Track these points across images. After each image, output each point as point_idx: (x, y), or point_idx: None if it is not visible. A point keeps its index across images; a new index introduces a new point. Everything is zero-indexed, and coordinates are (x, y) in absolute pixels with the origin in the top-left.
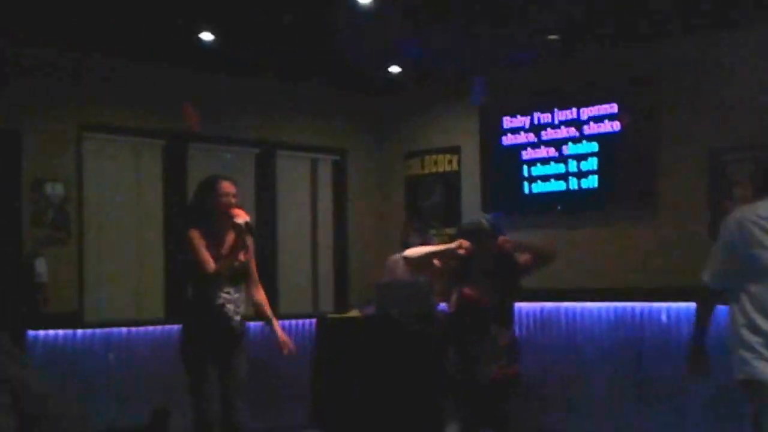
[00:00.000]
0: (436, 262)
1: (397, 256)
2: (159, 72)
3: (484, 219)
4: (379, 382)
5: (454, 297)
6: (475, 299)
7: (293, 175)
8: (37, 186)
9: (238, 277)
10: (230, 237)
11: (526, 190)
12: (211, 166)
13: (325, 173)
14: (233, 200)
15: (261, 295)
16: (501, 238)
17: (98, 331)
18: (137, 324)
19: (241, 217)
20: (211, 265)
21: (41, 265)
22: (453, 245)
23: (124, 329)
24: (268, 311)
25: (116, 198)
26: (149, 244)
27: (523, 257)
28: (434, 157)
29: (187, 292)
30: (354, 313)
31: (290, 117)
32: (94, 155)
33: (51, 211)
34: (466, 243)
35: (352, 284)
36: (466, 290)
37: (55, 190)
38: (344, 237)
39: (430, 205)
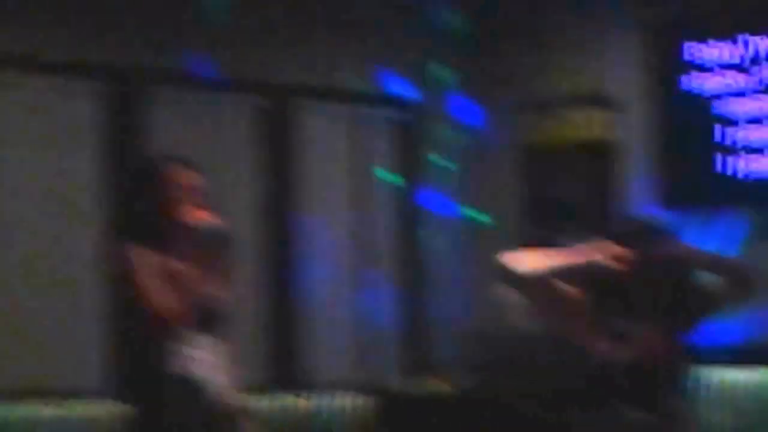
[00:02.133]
0: (568, 288)
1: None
2: None
3: (650, 218)
4: None
5: (593, 346)
6: (647, 350)
7: (323, 144)
8: None
9: (221, 325)
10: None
11: (726, 171)
12: (183, 126)
13: (380, 141)
14: (193, 197)
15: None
16: (676, 244)
17: None
18: (60, 396)
19: (196, 216)
20: (159, 301)
21: None
22: (599, 255)
23: (37, 408)
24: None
25: (22, 183)
26: (77, 260)
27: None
28: (571, 114)
29: (142, 359)
30: (437, 385)
31: (316, 42)
32: None
33: None
34: (622, 250)
35: (434, 333)
36: (636, 335)
37: None
38: (414, 250)
39: (563, 197)
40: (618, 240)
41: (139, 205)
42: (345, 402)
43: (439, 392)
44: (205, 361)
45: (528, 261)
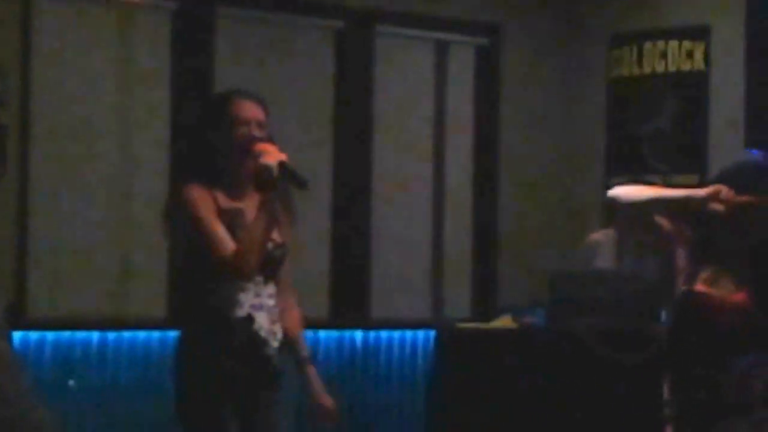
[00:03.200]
0: (662, 221)
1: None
2: None
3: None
4: None
5: (679, 293)
6: (714, 301)
7: (405, 72)
8: None
9: (273, 269)
10: (257, 198)
11: None
12: (256, 47)
13: (462, 69)
14: (258, 132)
15: (293, 312)
16: None
17: (50, 335)
18: (118, 326)
19: (271, 156)
20: (226, 245)
21: None
22: (703, 192)
23: (95, 334)
24: (301, 345)
25: (90, 96)
26: (146, 181)
27: None
28: (661, 44)
29: (188, 295)
30: (505, 321)
31: None
32: (49, 22)
33: None
34: (728, 192)
35: (505, 272)
36: (701, 283)
37: None
38: (493, 185)
39: (652, 133)
40: (729, 180)
41: (201, 139)
42: (410, 337)
43: (504, 329)
44: (265, 310)
45: (639, 192)
